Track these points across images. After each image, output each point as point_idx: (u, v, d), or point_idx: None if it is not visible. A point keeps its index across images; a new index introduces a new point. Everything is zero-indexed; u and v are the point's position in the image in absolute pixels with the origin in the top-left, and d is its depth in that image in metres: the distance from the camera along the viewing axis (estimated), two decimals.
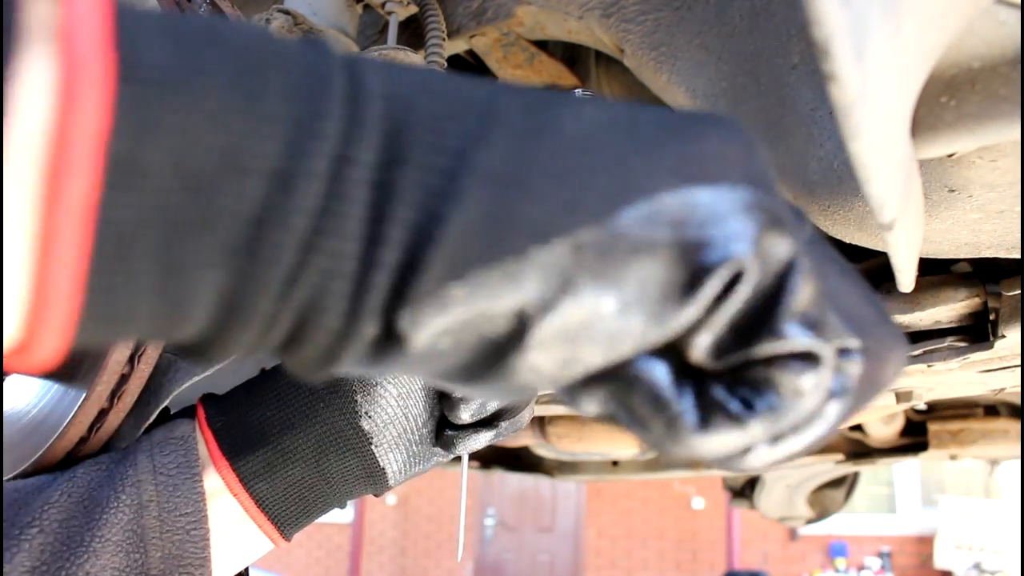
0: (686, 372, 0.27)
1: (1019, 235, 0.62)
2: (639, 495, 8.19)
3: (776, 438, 0.28)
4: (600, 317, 0.25)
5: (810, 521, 2.61)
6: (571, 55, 1.07)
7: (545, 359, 0.25)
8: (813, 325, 0.27)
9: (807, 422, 0.28)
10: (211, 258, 0.23)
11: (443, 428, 0.57)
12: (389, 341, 0.25)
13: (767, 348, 0.26)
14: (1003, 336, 0.86)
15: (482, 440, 0.57)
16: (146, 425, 0.56)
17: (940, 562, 7.33)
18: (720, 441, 0.27)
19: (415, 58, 0.61)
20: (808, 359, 0.27)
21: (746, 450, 0.28)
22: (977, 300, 0.87)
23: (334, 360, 0.26)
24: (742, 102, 0.66)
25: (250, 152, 0.23)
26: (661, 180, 0.25)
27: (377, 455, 0.55)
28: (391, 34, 0.84)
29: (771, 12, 0.61)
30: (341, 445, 0.55)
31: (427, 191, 0.24)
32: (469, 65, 1.05)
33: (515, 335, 0.25)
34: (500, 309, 0.24)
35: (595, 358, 0.26)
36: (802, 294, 0.27)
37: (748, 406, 0.27)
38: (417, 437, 0.57)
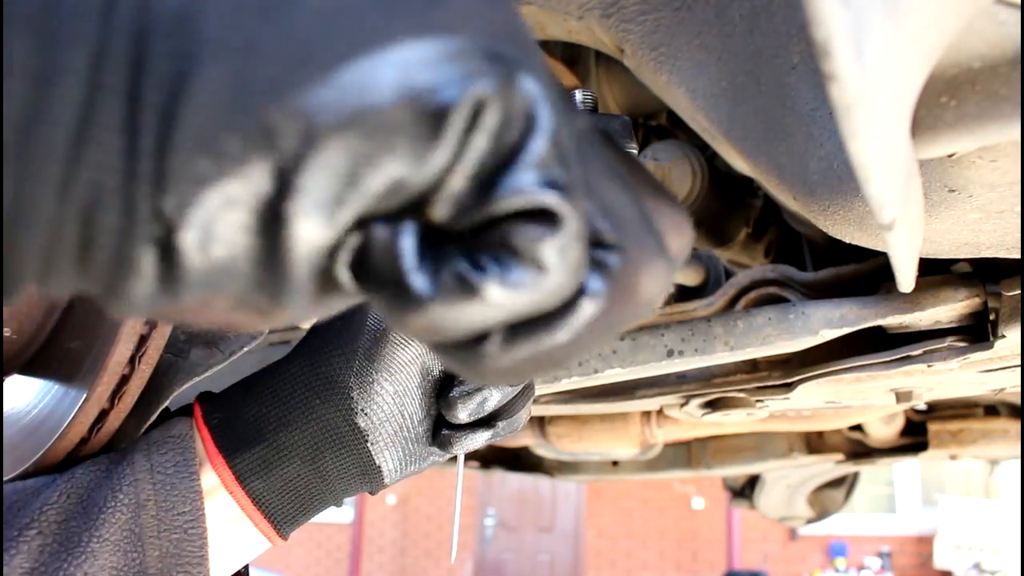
0: (433, 238, 0.26)
1: (1019, 235, 0.62)
2: (639, 495, 8.19)
3: (517, 327, 0.26)
4: (353, 168, 0.24)
5: (810, 521, 2.61)
6: (571, 55, 1.08)
7: (313, 222, 0.24)
8: (559, 185, 0.25)
9: (553, 308, 0.26)
10: None
11: (440, 427, 0.57)
12: (168, 238, 0.25)
13: (504, 203, 0.25)
14: (1003, 336, 0.86)
15: (479, 440, 0.57)
16: (147, 425, 0.56)
17: (940, 562, 7.33)
18: (452, 312, 0.25)
19: None
20: (551, 221, 0.25)
21: (482, 335, 0.26)
22: (977, 300, 0.87)
23: (126, 271, 0.25)
24: (742, 102, 0.66)
25: (9, 54, 0.23)
26: (396, 33, 0.25)
27: (373, 453, 0.55)
28: None
29: (771, 12, 0.61)
30: (337, 442, 0.55)
31: (170, 74, 0.24)
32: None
33: (279, 199, 0.24)
34: (255, 175, 0.24)
35: (355, 210, 0.25)
36: (546, 146, 0.25)
37: (483, 271, 0.25)
38: (413, 436, 0.57)
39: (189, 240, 0.24)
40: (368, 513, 8.75)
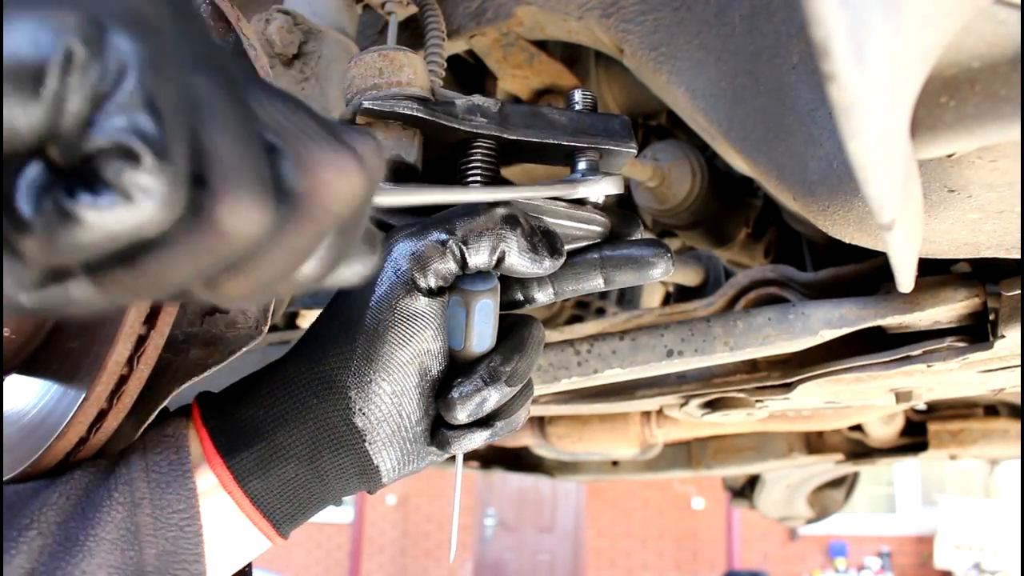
0: (57, 176, 0.29)
1: (1019, 235, 0.62)
2: (639, 495, 8.19)
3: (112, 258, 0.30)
4: None
5: (810, 521, 2.61)
6: (571, 55, 1.08)
7: None
8: (141, 127, 0.28)
9: (150, 229, 0.29)
10: None
11: (438, 427, 0.57)
12: None
13: (92, 143, 0.28)
14: (1003, 336, 0.86)
15: (477, 440, 0.57)
16: (146, 425, 0.56)
17: (940, 562, 7.33)
18: (53, 233, 0.28)
19: (415, 58, 0.61)
20: (130, 156, 0.28)
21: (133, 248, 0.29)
22: (977, 300, 0.87)
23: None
24: (742, 102, 0.66)
25: None
26: (17, 13, 0.28)
27: (371, 452, 0.55)
28: (391, 34, 0.84)
29: (771, 12, 0.61)
30: (335, 442, 0.55)
31: None
32: (469, 65, 1.05)
33: None
34: None
35: None
36: (130, 92, 0.28)
37: (75, 198, 0.28)
38: (411, 435, 0.57)
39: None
40: (368, 513, 8.75)
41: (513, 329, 0.59)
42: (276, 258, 0.33)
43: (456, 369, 0.57)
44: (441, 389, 0.57)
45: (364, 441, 0.55)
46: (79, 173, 0.29)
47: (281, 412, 0.55)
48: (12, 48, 0.27)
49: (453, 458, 0.62)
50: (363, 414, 0.55)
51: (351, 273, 0.40)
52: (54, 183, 0.29)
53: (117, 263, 0.30)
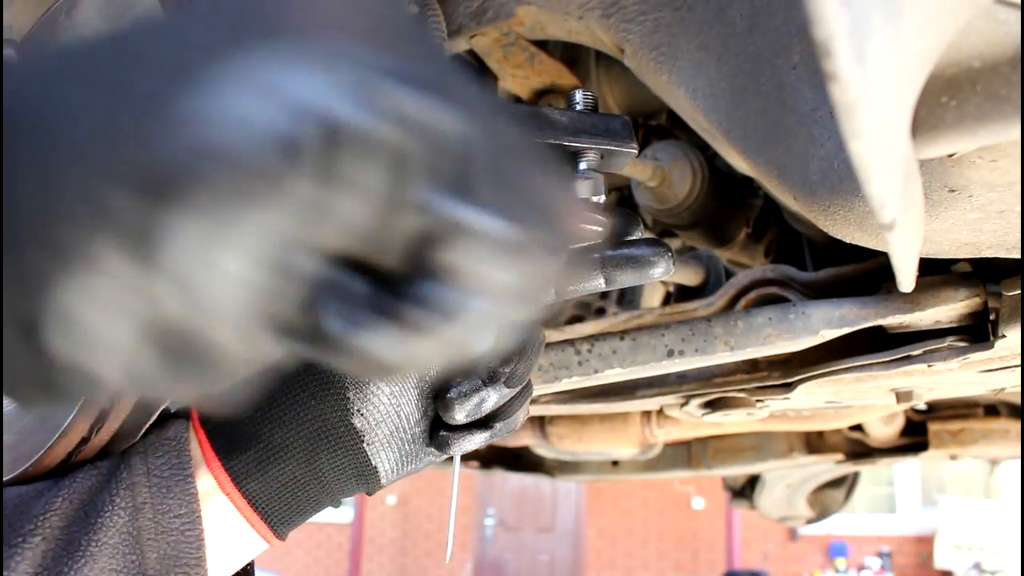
0: (362, 272, 0.26)
1: (1019, 235, 0.62)
2: (639, 495, 8.19)
3: (435, 326, 0.26)
4: (220, 222, 0.23)
5: (810, 521, 2.61)
6: (571, 55, 1.07)
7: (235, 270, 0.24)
8: (465, 197, 0.25)
9: (478, 300, 0.26)
10: None
11: (437, 428, 0.57)
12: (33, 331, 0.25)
13: (420, 228, 0.25)
14: (1003, 336, 0.86)
15: (476, 441, 0.57)
16: (147, 426, 0.56)
17: (940, 562, 7.33)
18: (376, 340, 0.25)
19: None
20: (461, 235, 0.25)
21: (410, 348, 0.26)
22: (977, 300, 0.87)
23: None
24: (742, 102, 0.66)
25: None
26: (266, 59, 0.24)
27: (369, 453, 0.55)
28: None
29: (771, 12, 0.61)
30: (333, 442, 0.55)
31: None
32: (469, 65, 1.05)
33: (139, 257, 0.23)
34: (106, 256, 0.23)
35: (235, 261, 0.24)
36: (448, 165, 0.25)
37: (419, 302, 0.26)
38: (410, 436, 0.56)
39: (55, 332, 0.24)
40: (368, 513, 8.75)
41: None
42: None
43: (455, 370, 0.57)
44: (440, 390, 0.56)
45: (362, 442, 0.55)
46: (401, 269, 0.26)
47: (279, 413, 0.55)
48: (276, 119, 0.23)
49: (452, 459, 0.62)
50: (361, 415, 0.55)
51: None
52: (384, 286, 0.26)
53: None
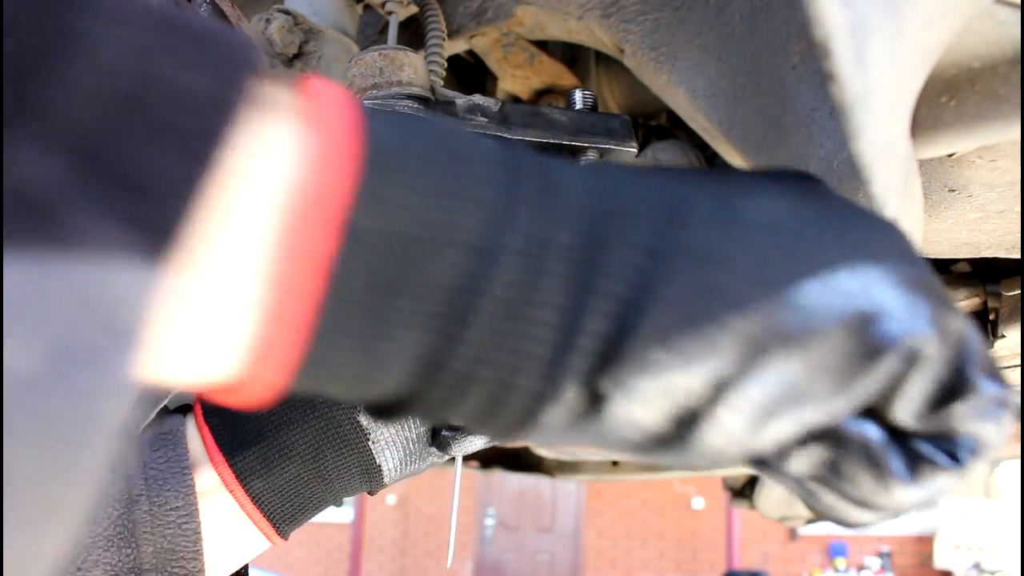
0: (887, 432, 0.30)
1: (1019, 235, 0.62)
2: (639, 495, 8.19)
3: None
4: (790, 383, 0.27)
5: (810, 521, 2.60)
6: (571, 55, 1.07)
7: (737, 424, 0.27)
8: (996, 377, 0.30)
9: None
10: (413, 319, 0.25)
11: (439, 428, 0.57)
12: (590, 405, 0.27)
13: (966, 410, 0.29)
14: (1003, 336, 0.86)
15: (477, 443, 0.57)
16: (146, 423, 0.56)
17: (940, 562, 7.33)
18: (926, 491, 0.29)
19: (415, 58, 0.61)
20: (995, 406, 0.30)
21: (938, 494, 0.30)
22: (977, 300, 0.87)
23: (532, 423, 0.27)
24: (742, 102, 0.66)
25: (453, 227, 0.25)
26: (838, 258, 0.28)
27: (374, 452, 0.55)
28: (391, 34, 0.84)
29: (771, 12, 0.61)
30: (339, 440, 0.55)
31: (634, 268, 0.26)
32: (469, 65, 1.05)
33: (710, 401, 0.27)
34: (699, 374, 0.26)
35: (785, 425, 0.28)
36: (983, 356, 0.29)
37: (953, 457, 0.30)
38: (414, 436, 0.57)
39: (614, 410, 0.27)
40: (368, 513, 8.75)
41: None
42: None
43: None
44: None
45: (368, 440, 0.55)
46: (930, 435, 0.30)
47: (285, 410, 0.55)
48: (849, 308, 0.27)
49: (453, 459, 0.62)
50: (368, 413, 0.55)
51: None
52: (908, 443, 0.30)
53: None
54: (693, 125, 0.77)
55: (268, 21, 0.81)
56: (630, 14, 0.75)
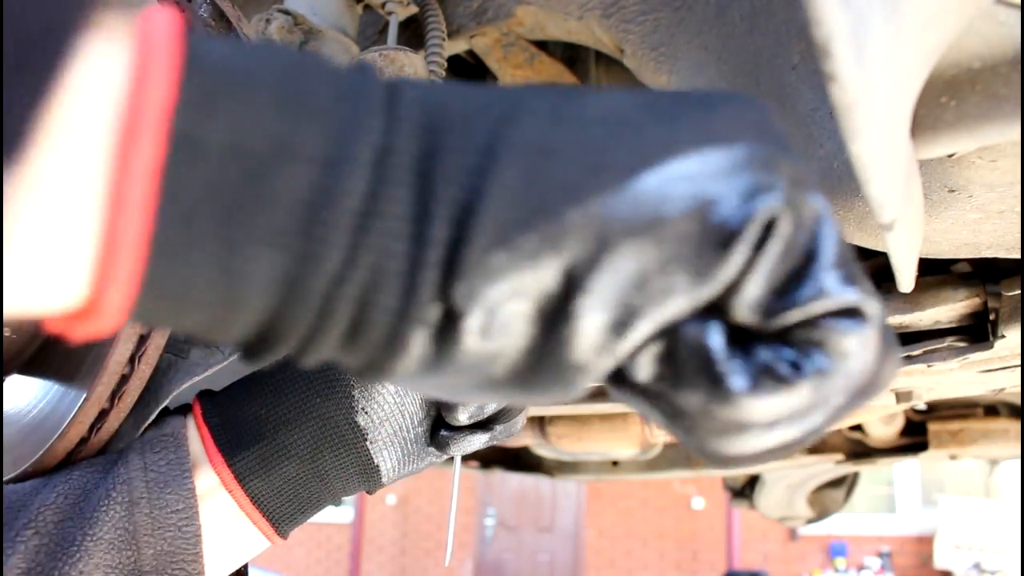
0: (735, 337, 0.27)
1: (1019, 235, 0.62)
2: (639, 495, 8.19)
3: (820, 402, 0.28)
4: (643, 274, 0.26)
5: (810, 521, 2.61)
6: (571, 55, 1.07)
7: (597, 321, 0.26)
8: (852, 280, 0.27)
9: (854, 386, 0.28)
10: (266, 237, 0.25)
11: (438, 428, 0.57)
12: (448, 322, 0.26)
13: (811, 306, 0.27)
14: (1003, 336, 0.86)
15: (476, 443, 0.57)
16: (146, 425, 0.56)
17: (940, 562, 7.33)
18: (767, 405, 0.27)
19: (415, 58, 0.61)
20: (853, 315, 0.27)
21: (793, 415, 0.28)
22: (977, 300, 0.87)
23: (398, 350, 0.26)
24: None
25: (300, 140, 0.25)
26: (680, 143, 0.26)
27: (372, 452, 0.56)
28: (391, 34, 0.84)
29: (771, 12, 0.61)
30: (336, 440, 0.55)
31: (466, 170, 0.26)
32: (469, 65, 1.05)
33: (566, 296, 0.26)
34: (547, 272, 0.25)
35: (644, 320, 0.26)
36: (839, 247, 0.27)
37: (796, 367, 0.27)
38: (412, 436, 0.57)
39: (471, 325, 0.26)
40: (368, 513, 8.75)
41: None
42: None
43: None
44: None
45: (365, 440, 0.55)
46: (780, 335, 0.27)
47: (284, 411, 0.55)
48: (695, 193, 0.25)
49: (452, 459, 0.62)
50: (366, 413, 0.55)
51: None
52: (753, 348, 0.27)
53: (784, 429, 0.28)
54: None
55: (268, 21, 0.81)
56: (630, 14, 0.75)
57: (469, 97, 0.27)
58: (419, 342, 0.26)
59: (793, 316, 0.27)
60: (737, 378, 0.27)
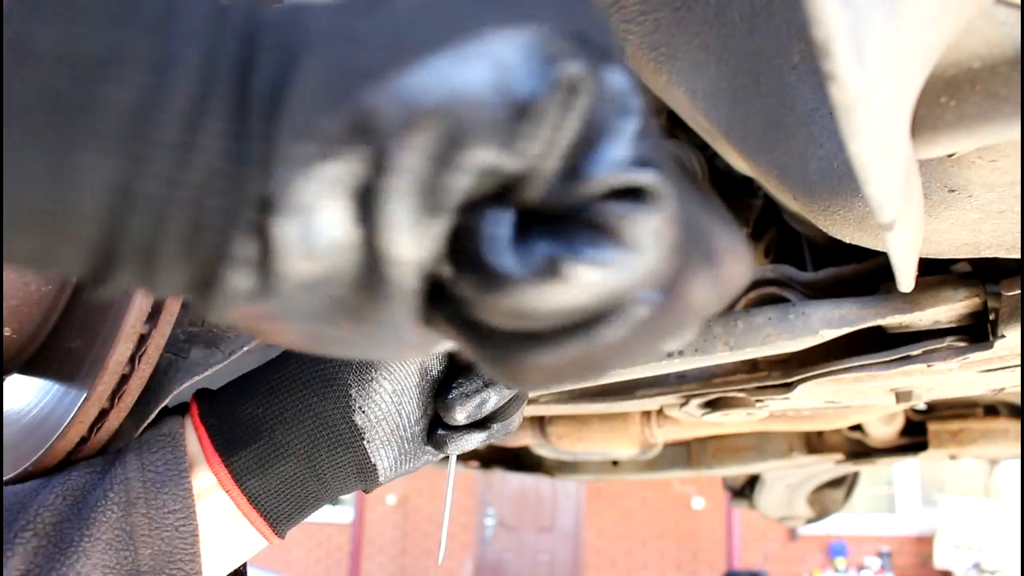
0: (529, 221, 0.26)
1: (1019, 235, 0.62)
2: (639, 495, 8.19)
3: (612, 305, 0.26)
4: (448, 151, 0.25)
5: (810, 521, 2.61)
6: None
7: (408, 205, 0.25)
8: (651, 163, 0.26)
9: (649, 276, 0.26)
10: (98, 141, 0.25)
11: (435, 427, 0.57)
12: (268, 223, 0.25)
13: (596, 182, 0.25)
14: (1003, 336, 0.86)
15: (473, 442, 0.57)
16: (145, 425, 0.56)
17: (940, 562, 7.33)
18: (540, 292, 0.25)
19: None
20: (643, 199, 0.26)
21: (579, 316, 0.26)
22: (977, 300, 0.87)
23: (228, 260, 0.26)
24: (742, 102, 0.66)
25: (129, 47, 0.25)
26: (486, 19, 0.26)
27: (369, 451, 0.56)
28: None
29: (771, 12, 0.61)
30: (333, 439, 0.55)
31: (274, 65, 0.26)
32: None
33: (375, 179, 0.25)
34: (354, 157, 0.25)
35: (452, 195, 0.25)
36: (636, 125, 0.26)
37: (577, 253, 0.25)
38: (409, 435, 0.57)
39: (290, 225, 0.25)
40: (368, 513, 8.75)
41: None
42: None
43: (456, 370, 0.57)
44: (440, 390, 0.57)
45: (363, 439, 0.55)
46: (568, 219, 0.26)
47: (281, 410, 0.55)
48: (496, 68, 0.25)
49: (448, 457, 0.62)
50: (363, 412, 0.55)
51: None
52: (538, 233, 0.26)
53: (571, 338, 0.26)
54: (693, 125, 0.77)
55: None
56: (630, 14, 0.75)
57: (292, 5, 0.28)
58: (248, 248, 0.25)
59: (580, 194, 0.25)
60: (508, 259, 0.25)
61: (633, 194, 0.26)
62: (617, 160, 0.25)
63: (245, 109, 0.25)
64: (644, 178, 0.25)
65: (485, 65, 0.25)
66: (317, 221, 0.25)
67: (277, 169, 0.25)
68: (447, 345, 0.29)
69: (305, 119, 0.25)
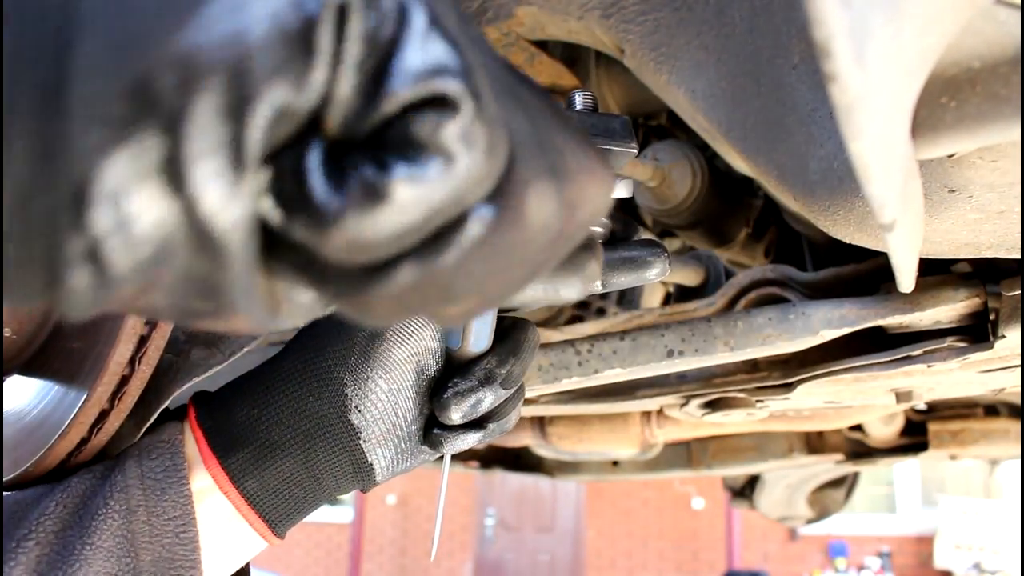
0: (341, 154, 0.25)
1: (1019, 235, 0.62)
2: (639, 495, 8.19)
3: (404, 253, 0.25)
4: (239, 100, 0.23)
5: (810, 521, 2.61)
6: (571, 55, 1.07)
7: (212, 167, 0.24)
8: (447, 68, 0.25)
9: (470, 184, 0.25)
10: None
11: (431, 427, 0.57)
12: (85, 220, 0.24)
13: (394, 99, 0.24)
14: (1003, 336, 0.86)
15: (469, 441, 0.57)
16: (147, 426, 0.56)
17: (940, 562, 7.34)
18: (366, 220, 0.24)
19: None
20: (446, 105, 0.25)
21: (408, 237, 0.25)
22: (977, 300, 0.87)
23: (60, 263, 0.24)
24: (742, 102, 0.66)
25: None
26: None
27: (365, 450, 0.55)
28: None
29: (771, 12, 0.61)
30: (330, 439, 0.55)
31: (53, 50, 0.24)
32: None
33: (175, 152, 0.23)
34: (148, 134, 0.23)
35: (255, 145, 0.24)
36: (423, 32, 0.25)
37: (387, 170, 0.24)
38: (405, 434, 0.57)
39: (105, 214, 0.24)
40: (368, 513, 8.75)
41: (509, 332, 0.59)
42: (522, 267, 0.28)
43: (452, 369, 0.57)
44: (436, 389, 0.57)
45: (359, 439, 0.55)
46: (377, 141, 0.25)
47: (276, 409, 0.55)
48: (267, 5, 0.23)
49: (443, 457, 0.62)
50: (359, 411, 0.55)
51: (571, 291, 0.37)
52: (345, 161, 0.25)
53: (408, 262, 0.26)
54: (693, 125, 0.77)
55: None
56: (630, 14, 0.75)
57: None
58: (77, 247, 0.24)
59: (381, 113, 0.24)
60: (324, 191, 0.24)
61: (438, 103, 0.25)
62: (410, 71, 0.24)
63: (45, 105, 0.23)
64: (440, 84, 0.24)
65: (254, 8, 0.23)
66: (131, 205, 0.24)
67: (79, 162, 0.23)
68: (308, 299, 0.27)
69: (90, 105, 0.23)
